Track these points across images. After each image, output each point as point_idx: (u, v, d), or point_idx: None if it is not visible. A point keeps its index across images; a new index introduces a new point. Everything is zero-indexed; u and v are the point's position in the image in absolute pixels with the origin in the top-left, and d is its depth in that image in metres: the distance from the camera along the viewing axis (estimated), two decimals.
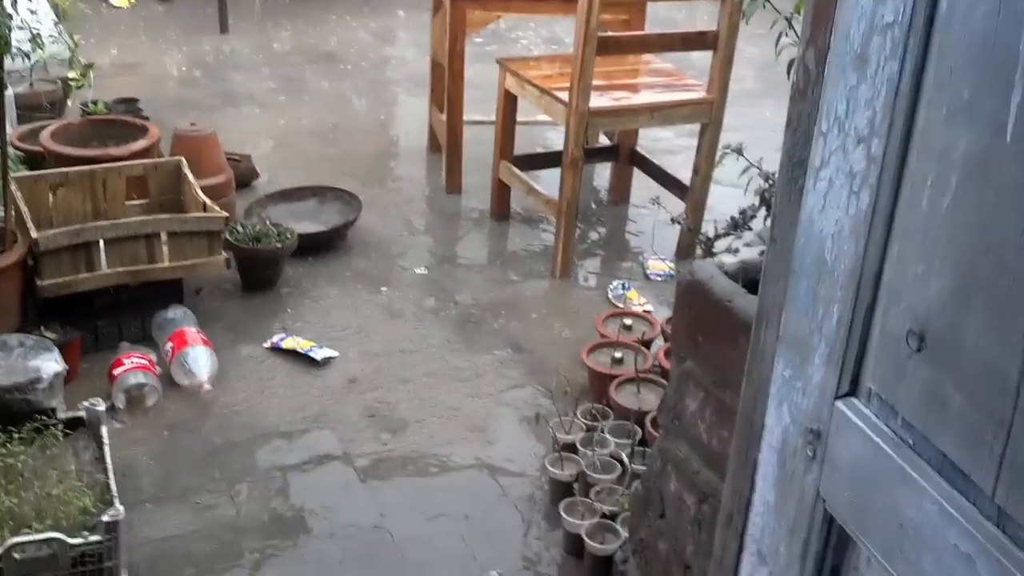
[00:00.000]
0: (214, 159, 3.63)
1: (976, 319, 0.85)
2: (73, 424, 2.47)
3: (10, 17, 2.59)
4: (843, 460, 1.02)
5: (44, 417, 2.42)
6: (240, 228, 3.43)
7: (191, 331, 2.97)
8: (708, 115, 3.52)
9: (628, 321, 3.11)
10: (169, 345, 2.93)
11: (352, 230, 3.80)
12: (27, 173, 3.19)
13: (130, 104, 4.43)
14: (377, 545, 2.41)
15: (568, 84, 3.34)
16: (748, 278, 1.84)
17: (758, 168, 2.10)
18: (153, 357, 2.92)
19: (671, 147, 4.61)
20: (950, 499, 0.89)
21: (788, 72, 1.29)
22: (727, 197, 2.60)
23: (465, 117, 4.16)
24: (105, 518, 2.16)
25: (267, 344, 3.13)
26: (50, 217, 3.08)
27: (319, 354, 3.07)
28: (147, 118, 4.08)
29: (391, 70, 5.80)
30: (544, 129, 4.82)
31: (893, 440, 0.95)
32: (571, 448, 2.63)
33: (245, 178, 4.11)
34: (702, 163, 3.55)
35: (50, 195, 3.12)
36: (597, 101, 3.37)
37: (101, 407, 2.47)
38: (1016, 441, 0.82)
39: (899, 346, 0.94)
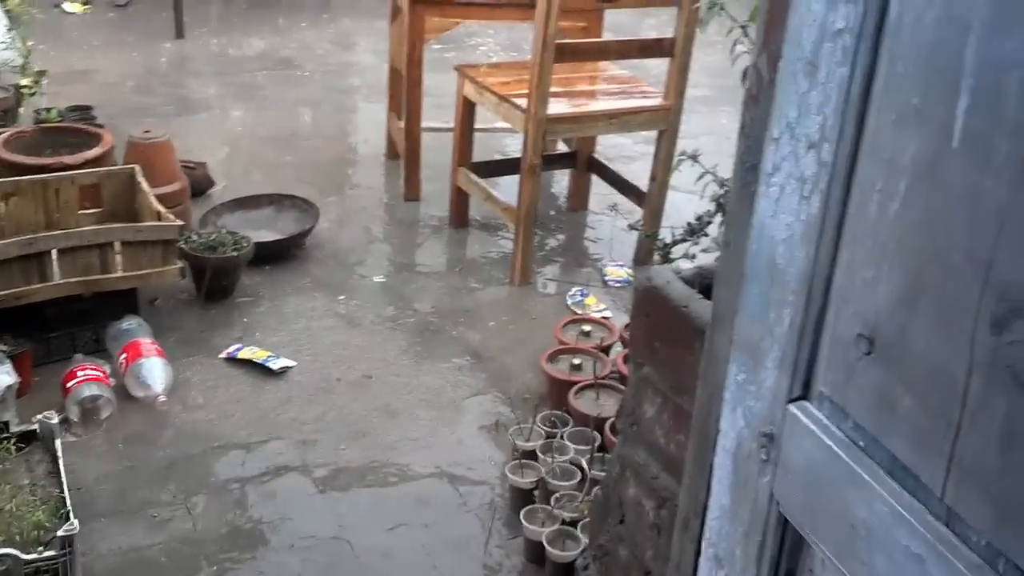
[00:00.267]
0: (169, 167, 3.59)
1: (924, 322, 0.86)
2: (26, 438, 2.43)
3: None
4: (796, 463, 1.03)
5: None
6: (195, 237, 3.39)
7: (145, 342, 2.93)
8: (665, 122, 3.54)
9: (587, 327, 3.12)
10: (123, 356, 2.89)
11: (310, 238, 3.78)
12: None
13: (84, 111, 4.37)
14: (337, 556, 2.40)
15: (526, 91, 3.35)
16: (704, 284, 1.85)
17: (713, 175, 2.12)
18: (107, 369, 2.88)
19: (629, 154, 4.63)
20: (900, 500, 0.90)
21: (743, 79, 1.31)
22: (684, 203, 2.63)
23: (424, 124, 4.15)
24: (60, 533, 2.12)
25: (223, 354, 3.10)
26: (2, 227, 3.03)
27: (276, 364, 3.05)
28: (101, 125, 4.03)
29: (350, 77, 5.78)
30: (503, 136, 4.82)
31: (844, 442, 0.96)
32: (531, 455, 2.63)
33: (201, 186, 4.07)
34: (659, 170, 3.57)
35: (2, 204, 3.07)
36: (555, 108, 3.39)
37: (55, 420, 2.43)
38: (964, 442, 0.83)
39: (849, 350, 0.94)
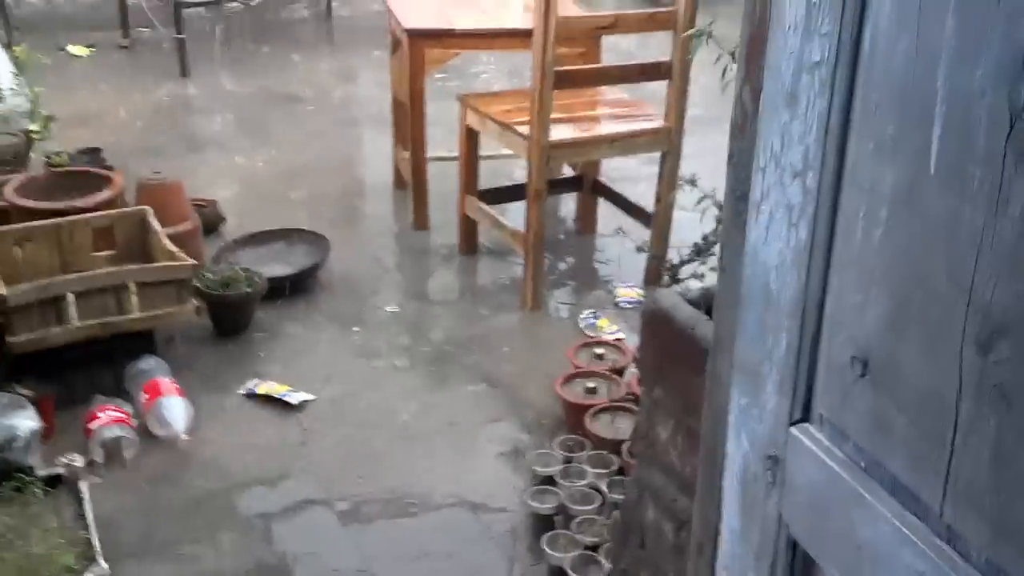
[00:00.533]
0: (180, 207, 3.64)
1: (913, 345, 0.88)
2: (52, 481, 2.48)
3: None
4: (801, 485, 1.05)
5: (23, 475, 2.43)
6: (209, 275, 3.44)
7: (165, 381, 2.97)
8: (667, 143, 3.57)
9: (600, 350, 3.14)
10: (144, 396, 2.93)
11: (322, 271, 3.82)
12: None
13: (93, 154, 4.43)
14: None
15: (528, 118, 3.38)
16: (711, 304, 1.87)
17: (712, 198, 2.15)
18: (129, 409, 2.92)
19: (634, 175, 4.66)
20: (903, 519, 0.92)
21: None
22: (692, 222, 2.64)
23: (429, 153, 4.20)
24: (89, 575, 2.16)
25: (242, 390, 3.14)
26: (18, 272, 3.08)
27: (294, 398, 3.08)
28: (111, 167, 4.09)
29: (354, 109, 5.84)
30: (510, 162, 4.86)
31: (846, 463, 0.98)
32: (550, 480, 2.65)
33: (212, 223, 4.12)
34: (664, 191, 3.60)
35: (17, 250, 3.12)
36: (557, 134, 3.42)
37: (79, 463, 2.48)
38: (959, 461, 0.85)
39: (844, 372, 0.97)
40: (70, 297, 2.91)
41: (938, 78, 0.82)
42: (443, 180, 4.27)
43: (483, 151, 3.98)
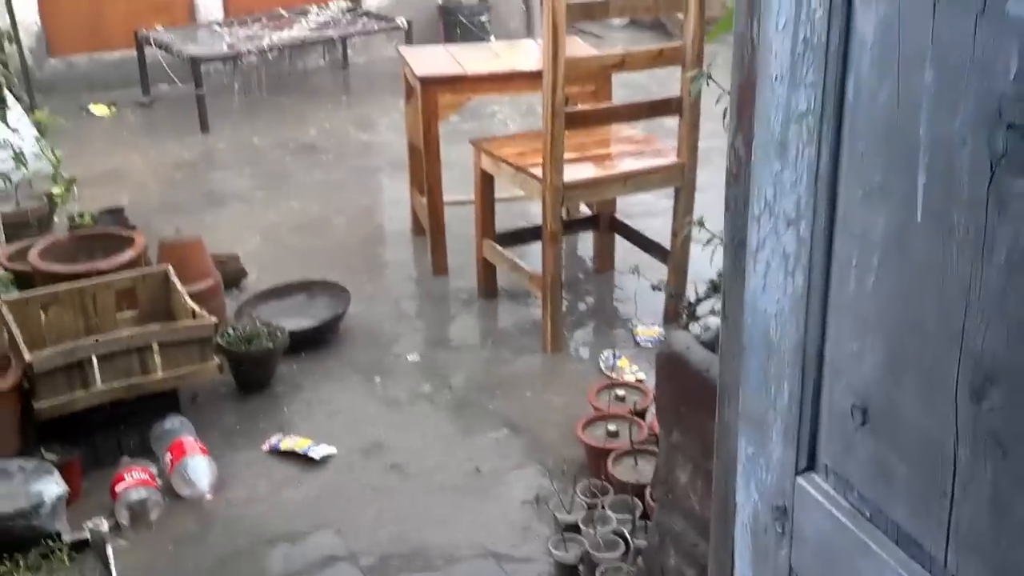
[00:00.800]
0: (201, 264, 3.67)
1: (910, 392, 0.88)
2: (79, 546, 2.48)
3: None
4: (809, 535, 1.04)
5: (49, 541, 2.44)
6: (231, 331, 3.46)
7: (189, 440, 2.99)
8: (680, 178, 3.58)
9: (620, 392, 3.12)
10: (168, 456, 2.94)
11: (343, 321, 3.84)
12: (17, 295, 3.24)
13: (116, 214, 4.48)
14: None
15: (541, 160, 3.40)
16: None
17: (720, 239, 2.14)
18: (154, 470, 2.93)
19: (652, 209, 4.66)
20: (908, 568, 0.91)
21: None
22: (709, 257, 2.64)
23: (446, 198, 4.22)
24: None
25: (265, 446, 3.14)
26: (43, 336, 3.12)
27: (317, 452, 3.08)
28: (134, 226, 4.14)
29: (372, 157, 5.89)
30: (526, 204, 4.88)
31: (851, 513, 0.97)
32: (574, 528, 2.63)
33: (234, 278, 4.15)
34: (679, 227, 3.60)
35: (41, 314, 3.16)
36: (571, 174, 3.43)
37: (105, 527, 2.48)
38: (959, 509, 0.84)
39: (846, 421, 0.96)
40: (94, 360, 2.94)
41: (920, 126, 0.82)
42: (461, 224, 4.29)
43: (499, 193, 4.00)
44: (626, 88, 4.97)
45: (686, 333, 2.01)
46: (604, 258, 4.28)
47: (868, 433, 0.94)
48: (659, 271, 3.76)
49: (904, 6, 0.83)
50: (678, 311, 3.41)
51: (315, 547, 2.72)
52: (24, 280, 3.55)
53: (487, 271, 4.03)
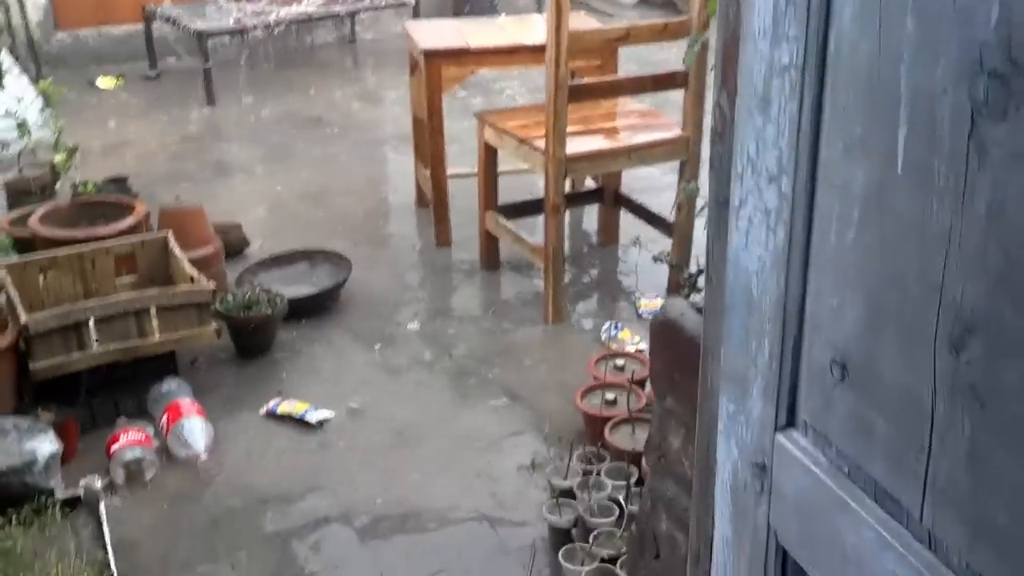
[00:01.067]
0: (201, 231, 3.67)
1: (889, 347, 0.87)
2: (72, 503, 2.50)
3: None
4: (788, 492, 1.04)
5: (42, 498, 2.45)
6: (231, 297, 3.47)
7: (186, 402, 3.00)
8: (685, 152, 3.56)
9: (620, 362, 3.12)
10: (165, 418, 2.96)
11: (344, 290, 3.84)
12: (16, 259, 3.24)
13: (120, 183, 4.48)
14: None
15: (544, 133, 3.38)
16: None
17: None
18: (150, 431, 2.95)
19: (656, 185, 4.64)
20: (886, 525, 0.90)
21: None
22: None
23: (452, 170, 4.21)
24: None
25: (262, 411, 3.16)
26: (41, 300, 3.13)
27: (314, 416, 3.09)
28: (137, 196, 4.14)
29: (377, 130, 5.87)
30: (531, 177, 4.86)
31: (829, 469, 0.97)
32: (569, 494, 2.63)
33: (236, 247, 4.16)
34: (684, 200, 3.59)
35: (40, 278, 3.17)
36: (574, 147, 3.42)
37: (98, 485, 2.50)
38: (936, 463, 0.83)
39: (825, 376, 0.96)
40: (91, 323, 2.95)
41: (901, 77, 0.81)
42: (465, 197, 4.29)
43: (505, 167, 3.99)
44: (637, 65, 4.95)
45: (682, 300, 2.01)
46: (608, 232, 4.27)
47: (847, 388, 0.93)
48: (664, 245, 3.76)
49: None
50: (680, 283, 3.41)
51: (309, 508, 2.73)
52: (25, 245, 3.55)
53: (490, 243, 4.02)
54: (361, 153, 5.50)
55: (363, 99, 6.42)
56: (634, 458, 2.68)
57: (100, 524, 2.41)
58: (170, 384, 3.09)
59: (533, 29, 4.35)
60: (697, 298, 2.14)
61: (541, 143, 3.42)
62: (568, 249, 4.34)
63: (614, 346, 3.43)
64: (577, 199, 4.27)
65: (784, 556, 1.08)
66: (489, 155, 3.83)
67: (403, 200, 4.79)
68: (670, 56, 5.55)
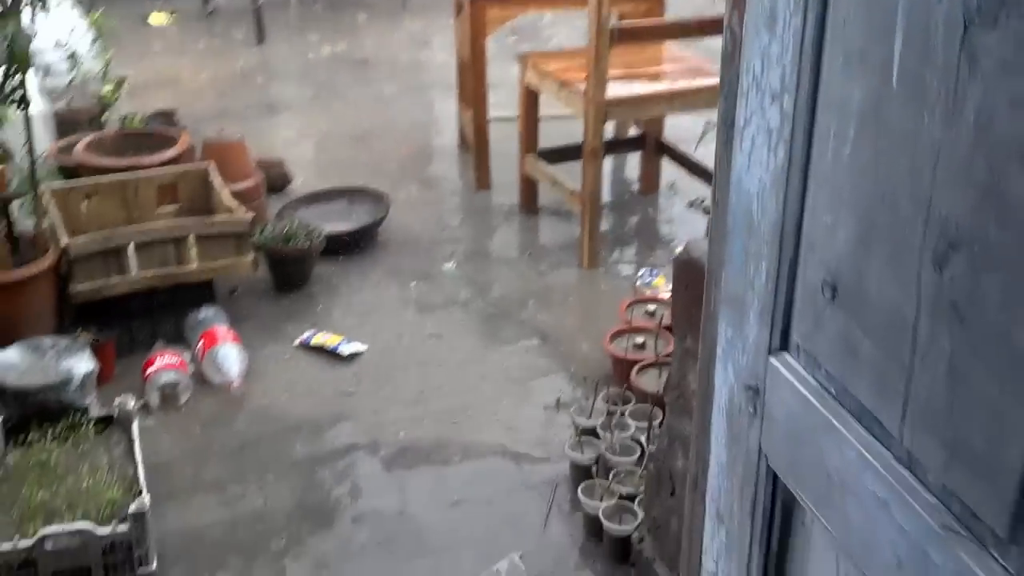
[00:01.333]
0: (243, 164, 3.71)
1: (877, 265, 0.86)
2: (106, 421, 2.57)
3: (30, 35, 2.68)
4: (778, 415, 1.04)
5: (77, 415, 2.52)
6: (269, 230, 3.51)
7: (221, 329, 3.05)
8: None
9: (651, 307, 3.12)
10: (200, 344, 3.01)
11: (383, 229, 3.87)
12: (61, 184, 3.30)
13: (167, 116, 4.54)
14: (400, 530, 2.46)
15: (586, 75, 3.36)
16: None
17: None
18: (186, 356, 3.01)
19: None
20: (867, 445, 0.90)
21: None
22: None
23: (496, 114, 4.20)
24: (131, 509, 2.24)
25: (297, 341, 3.21)
26: (83, 225, 3.19)
27: (346, 349, 3.13)
28: (183, 129, 4.19)
29: (424, 73, 5.87)
30: (575, 123, 4.83)
31: (818, 391, 0.97)
32: (593, 433, 2.65)
33: (279, 183, 4.20)
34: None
35: (83, 204, 3.23)
36: (615, 91, 3.39)
37: (131, 405, 2.56)
38: (916, 382, 0.83)
39: (816, 297, 0.95)
40: (130, 248, 3.00)
41: None
42: (508, 141, 4.27)
43: (548, 111, 3.97)
44: (687, 12, 4.87)
45: (705, 240, 2.00)
46: (649, 180, 4.24)
47: (837, 309, 0.93)
48: (704, 194, 3.73)
49: None
50: None
51: (337, 436, 2.78)
52: (71, 173, 3.62)
53: (528, 187, 4.02)
54: (407, 95, 5.51)
55: (412, 41, 6.41)
56: (658, 400, 2.68)
57: (132, 442, 2.47)
58: (207, 311, 3.15)
59: None
60: None
61: (582, 86, 3.40)
62: (609, 196, 4.33)
63: (648, 292, 3.42)
64: (619, 146, 4.25)
65: (775, 480, 1.09)
66: (530, 98, 3.82)
67: (446, 143, 4.80)
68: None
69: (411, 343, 3.22)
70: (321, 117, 5.18)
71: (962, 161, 0.75)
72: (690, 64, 3.78)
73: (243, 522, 2.49)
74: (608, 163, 4.47)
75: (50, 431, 2.44)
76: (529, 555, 2.38)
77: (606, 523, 2.36)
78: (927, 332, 0.81)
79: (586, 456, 2.55)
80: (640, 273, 3.58)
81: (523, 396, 2.97)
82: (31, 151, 2.93)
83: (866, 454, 0.90)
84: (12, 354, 2.61)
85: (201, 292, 3.20)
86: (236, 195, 3.39)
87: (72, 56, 4.15)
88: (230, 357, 2.97)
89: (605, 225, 3.95)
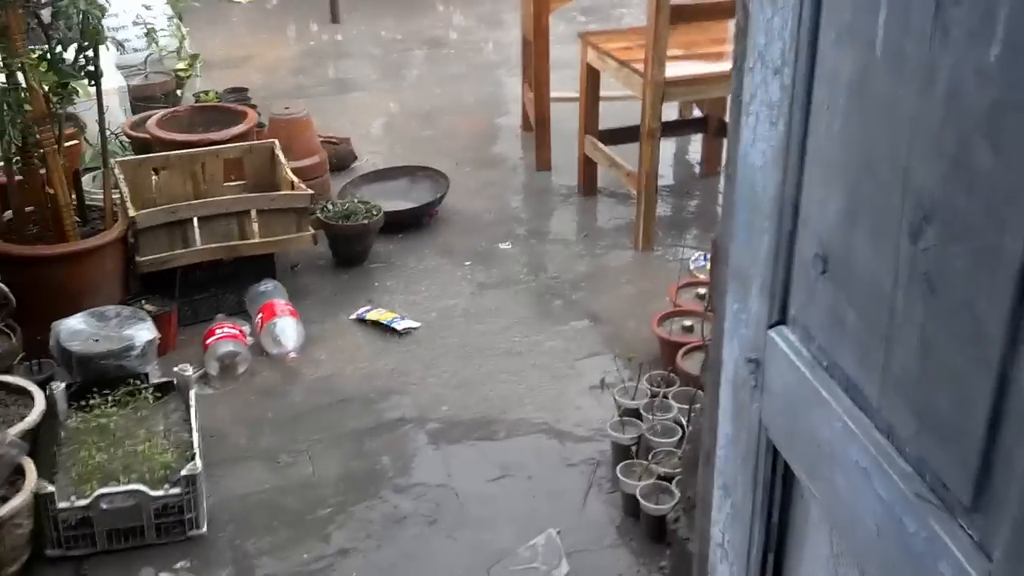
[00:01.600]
0: (308, 141, 3.79)
1: (862, 237, 0.87)
2: (165, 388, 2.66)
3: (103, 8, 2.77)
4: (776, 387, 1.05)
5: (137, 381, 2.62)
6: (330, 206, 3.58)
7: (280, 303, 3.13)
8: None
9: (702, 291, 3.11)
10: (259, 316, 3.10)
11: (442, 207, 3.91)
12: (131, 157, 3.41)
13: (240, 93, 4.65)
14: (442, 501, 2.51)
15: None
16: None
17: None
18: (246, 328, 3.10)
19: None
20: (852, 416, 0.91)
21: None
22: None
23: (555, 93, 4.21)
24: (184, 472, 2.33)
25: (353, 316, 3.27)
26: (153, 198, 3.29)
27: (400, 325, 3.19)
28: (254, 105, 4.28)
29: (494, 53, 5.89)
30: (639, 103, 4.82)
31: (811, 363, 0.98)
32: (636, 413, 2.66)
33: (344, 160, 4.27)
34: None
35: (153, 177, 3.33)
36: (674, 71, 3.38)
37: (190, 373, 2.65)
38: (893, 353, 0.84)
39: (809, 271, 0.96)
40: (194, 221, 3.09)
41: None
42: (571, 122, 4.27)
43: (612, 92, 3.96)
44: None
45: None
46: (711, 162, 4.22)
47: (827, 282, 0.94)
48: None
49: None
50: None
51: (387, 409, 2.84)
52: (143, 147, 3.73)
53: (588, 168, 4.03)
54: (476, 75, 5.54)
55: (483, 22, 6.44)
56: (702, 383, 2.69)
57: (189, 410, 2.56)
58: (267, 285, 3.23)
59: None
60: None
61: (641, 65, 3.40)
62: (671, 179, 4.32)
63: (702, 276, 3.40)
64: (681, 127, 4.23)
65: (775, 454, 1.10)
66: (591, 77, 3.82)
67: (510, 123, 4.82)
68: None
69: (464, 321, 3.27)
70: (389, 96, 5.24)
71: (934, 131, 0.76)
72: None
73: (292, 489, 2.56)
74: (670, 145, 4.46)
75: (110, 396, 2.54)
76: (567, 531, 2.41)
77: (643, 502, 2.37)
78: (903, 303, 0.82)
79: (627, 436, 2.57)
80: (695, 256, 3.57)
81: (570, 375, 2.99)
82: (102, 125, 3.03)
83: (851, 424, 0.91)
84: (77, 321, 2.71)
85: (262, 266, 3.28)
86: (300, 171, 3.47)
87: (149, 33, 4.26)
88: (287, 330, 3.04)
89: (664, 208, 3.94)
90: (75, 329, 2.69)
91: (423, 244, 3.73)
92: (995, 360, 0.71)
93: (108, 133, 3.25)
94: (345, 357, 3.09)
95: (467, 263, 3.61)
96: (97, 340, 2.67)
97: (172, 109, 3.90)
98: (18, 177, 2.91)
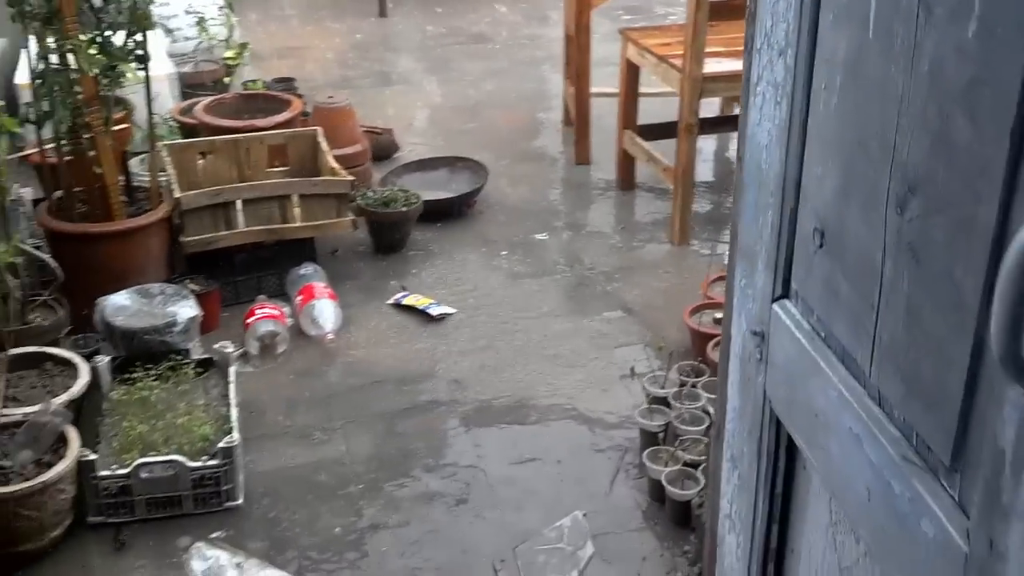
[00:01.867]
0: (351, 130, 3.86)
1: (854, 211, 0.91)
2: (206, 365, 2.74)
3: None
4: (779, 359, 1.09)
5: (178, 357, 2.70)
6: (371, 194, 3.65)
7: (319, 286, 3.20)
8: None
9: None
10: (299, 298, 3.17)
11: (481, 198, 3.97)
12: (178, 141, 3.50)
13: (287, 82, 4.74)
14: (472, 482, 2.56)
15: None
16: None
17: None
18: (286, 310, 3.17)
19: None
20: (846, 384, 0.95)
21: None
22: None
23: (599, 89, 4.25)
24: (221, 444, 2.41)
25: (390, 301, 3.34)
26: (199, 182, 3.38)
27: (436, 310, 3.25)
28: (300, 95, 4.37)
29: (538, 49, 5.94)
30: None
31: (810, 335, 1.02)
32: (664, 402, 2.70)
33: (386, 150, 4.34)
34: None
35: (199, 161, 3.42)
36: (712, 66, 3.40)
37: (230, 349, 2.73)
38: (882, 322, 0.88)
39: (809, 245, 1.00)
40: (238, 204, 3.17)
41: None
42: (612, 117, 4.31)
43: (652, 88, 3.99)
44: None
45: None
46: None
47: (824, 255, 0.97)
48: None
49: None
50: None
51: (421, 392, 2.90)
52: (191, 132, 3.83)
53: (627, 163, 4.06)
54: (519, 70, 5.59)
55: (528, 17, 6.49)
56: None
57: (228, 385, 2.63)
58: (307, 268, 3.30)
59: None
60: None
61: (679, 61, 3.42)
62: (710, 175, 4.33)
63: None
64: (722, 124, 4.24)
65: (778, 425, 1.14)
66: (631, 72, 3.85)
67: (551, 117, 4.87)
68: None
69: (498, 308, 3.32)
70: (433, 89, 5.31)
71: (919, 107, 0.80)
72: None
73: (325, 466, 2.63)
74: (711, 141, 4.48)
75: (153, 370, 2.62)
76: (593, 514, 2.45)
77: (669, 487, 2.41)
78: (890, 273, 0.86)
79: (655, 423, 2.60)
80: (728, 251, 3.58)
81: (601, 364, 3.03)
82: (149, 108, 3.12)
83: (845, 393, 0.95)
84: (123, 298, 2.80)
85: (303, 249, 3.36)
86: (342, 159, 3.54)
87: (200, 22, 4.36)
88: (326, 312, 3.11)
89: (702, 203, 3.97)
90: (120, 305, 2.78)
91: (461, 233, 3.79)
92: (971, 326, 0.75)
93: (157, 118, 3.34)
94: (381, 340, 3.15)
95: (503, 253, 3.66)
96: (141, 316, 2.75)
97: (219, 96, 4.00)
98: (68, 157, 3.01)
